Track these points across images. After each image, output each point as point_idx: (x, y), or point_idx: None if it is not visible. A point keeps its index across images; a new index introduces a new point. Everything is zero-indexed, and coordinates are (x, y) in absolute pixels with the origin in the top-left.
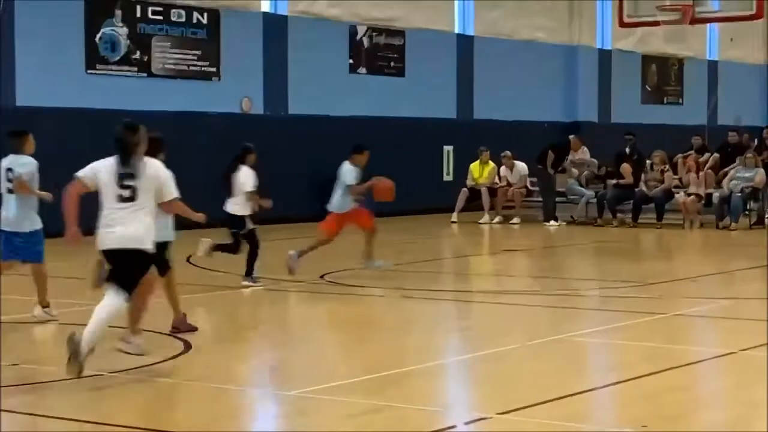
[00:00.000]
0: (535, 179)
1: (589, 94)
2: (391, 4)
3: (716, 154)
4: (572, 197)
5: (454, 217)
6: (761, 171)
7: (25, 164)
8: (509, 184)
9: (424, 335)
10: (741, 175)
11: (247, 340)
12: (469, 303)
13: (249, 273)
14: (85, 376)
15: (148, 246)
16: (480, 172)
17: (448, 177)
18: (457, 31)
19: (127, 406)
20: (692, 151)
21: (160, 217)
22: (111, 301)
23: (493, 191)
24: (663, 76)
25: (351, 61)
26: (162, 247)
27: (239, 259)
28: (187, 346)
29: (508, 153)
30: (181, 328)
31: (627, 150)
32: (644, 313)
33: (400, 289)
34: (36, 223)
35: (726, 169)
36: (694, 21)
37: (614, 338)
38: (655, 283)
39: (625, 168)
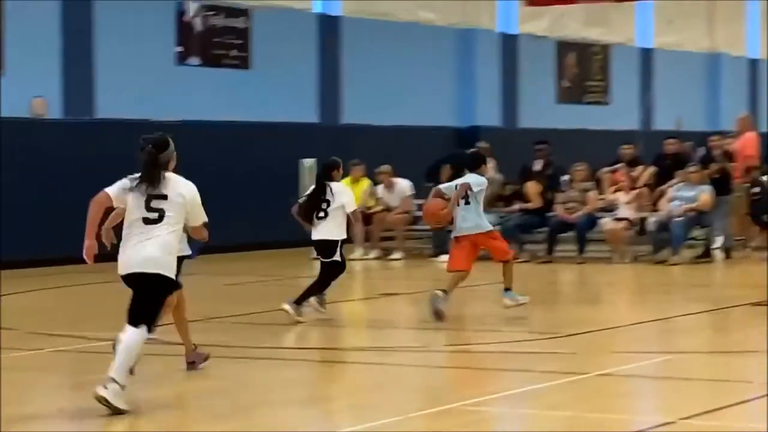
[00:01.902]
0: (422, 202)
1: (490, 91)
2: None
3: (652, 168)
4: None
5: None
6: (707, 189)
7: None
8: (388, 209)
9: (275, 408)
10: (682, 195)
11: None
12: (337, 364)
13: (303, 300)
14: None
15: (167, 272)
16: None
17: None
18: (318, 9)
19: None
20: (621, 164)
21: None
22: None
23: (367, 217)
24: (584, 67)
25: (179, 48)
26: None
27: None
28: None
29: (387, 168)
30: (197, 361)
31: (539, 163)
32: (561, 374)
33: (245, 348)
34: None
35: (664, 187)
36: None
37: (522, 407)
38: (574, 335)
39: (531, 188)
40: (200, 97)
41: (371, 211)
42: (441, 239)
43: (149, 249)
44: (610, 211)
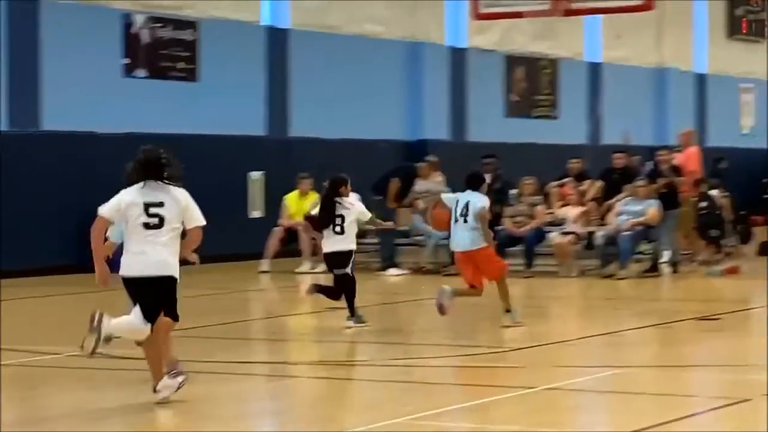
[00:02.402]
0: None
1: (439, 104)
2: None
3: (599, 182)
4: (418, 238)
5: (265, 265)
6: (655, 203)
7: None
8: None
9: (222, 424)
10: (630, 209)
11: None
12: (284, 378)
13: (353, 313)
14: None
15: (176, 273)
16: (298, 205)
17: (255, 213)
18: (266, 22)
19: None
20: (569, 178)
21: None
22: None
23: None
24: (532, 81)
25: (126, 60)
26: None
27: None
28: None
29: None
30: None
31: (486, 177)
32: (508, 388)
33: (192, 362)
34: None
35: (611, 201)
36: (569, 12)
37: (469, 420)
38: (521, 348)
39: None
40: (147, 109)
41: None
42: (389, 253)
43: (157, 254)
44: (559, 225)
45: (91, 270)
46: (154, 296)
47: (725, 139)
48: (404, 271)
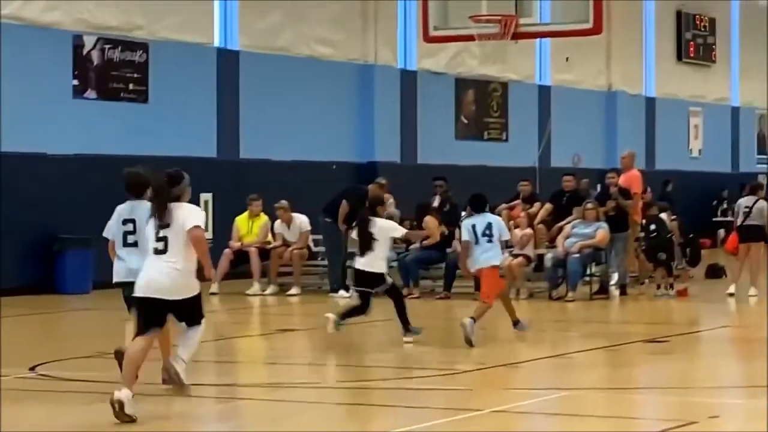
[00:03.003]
0: (320, 237)
1: (390, 127)
2: (130, 9)
3: (548, 205)
4: None
5: (214, 287)
6: (604, 226)
7: None
8: (286, 244)
9: None
10: (579, 231)
11: None
12: (232, 401)
13: (408, 328)
14: None
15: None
16: (248, 227)
17: (205, 234)
18: (217, 43)
19: None
20: (519, 201)
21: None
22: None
23: (265, 253)
24: (482, 104)
25: (76, 81)
26: None
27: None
28: None
29: (285, 203)
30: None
31: (436, 199)
32: (454, 410)
33: (144, 384)
34: None
35: (561, 224)
36: (518, 36)
37: None
38: (468, 371)
39: (430, 222)
40: (98, 130)
41: (269, 246)
42: (338, 275)
43: (168, 278)
44: (509, 247)
45: (44, 292)
46: (175, 311)
47: (674, 162)
48: (354, 294)
